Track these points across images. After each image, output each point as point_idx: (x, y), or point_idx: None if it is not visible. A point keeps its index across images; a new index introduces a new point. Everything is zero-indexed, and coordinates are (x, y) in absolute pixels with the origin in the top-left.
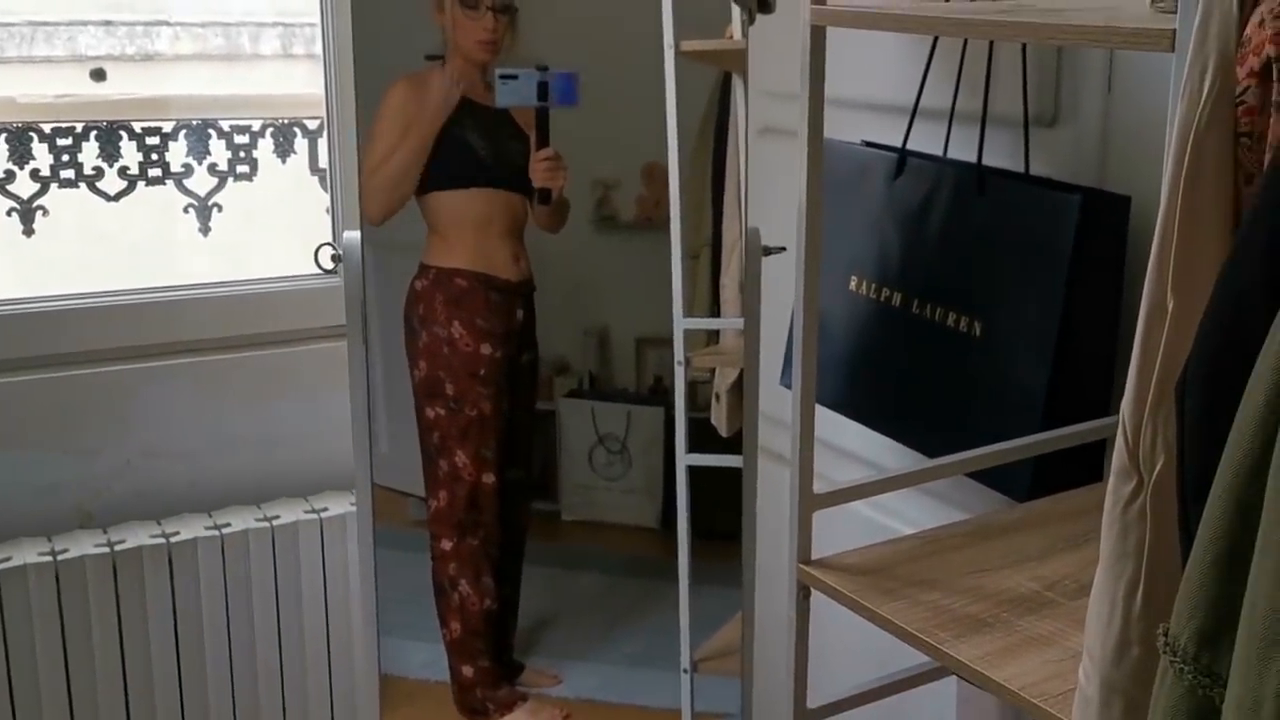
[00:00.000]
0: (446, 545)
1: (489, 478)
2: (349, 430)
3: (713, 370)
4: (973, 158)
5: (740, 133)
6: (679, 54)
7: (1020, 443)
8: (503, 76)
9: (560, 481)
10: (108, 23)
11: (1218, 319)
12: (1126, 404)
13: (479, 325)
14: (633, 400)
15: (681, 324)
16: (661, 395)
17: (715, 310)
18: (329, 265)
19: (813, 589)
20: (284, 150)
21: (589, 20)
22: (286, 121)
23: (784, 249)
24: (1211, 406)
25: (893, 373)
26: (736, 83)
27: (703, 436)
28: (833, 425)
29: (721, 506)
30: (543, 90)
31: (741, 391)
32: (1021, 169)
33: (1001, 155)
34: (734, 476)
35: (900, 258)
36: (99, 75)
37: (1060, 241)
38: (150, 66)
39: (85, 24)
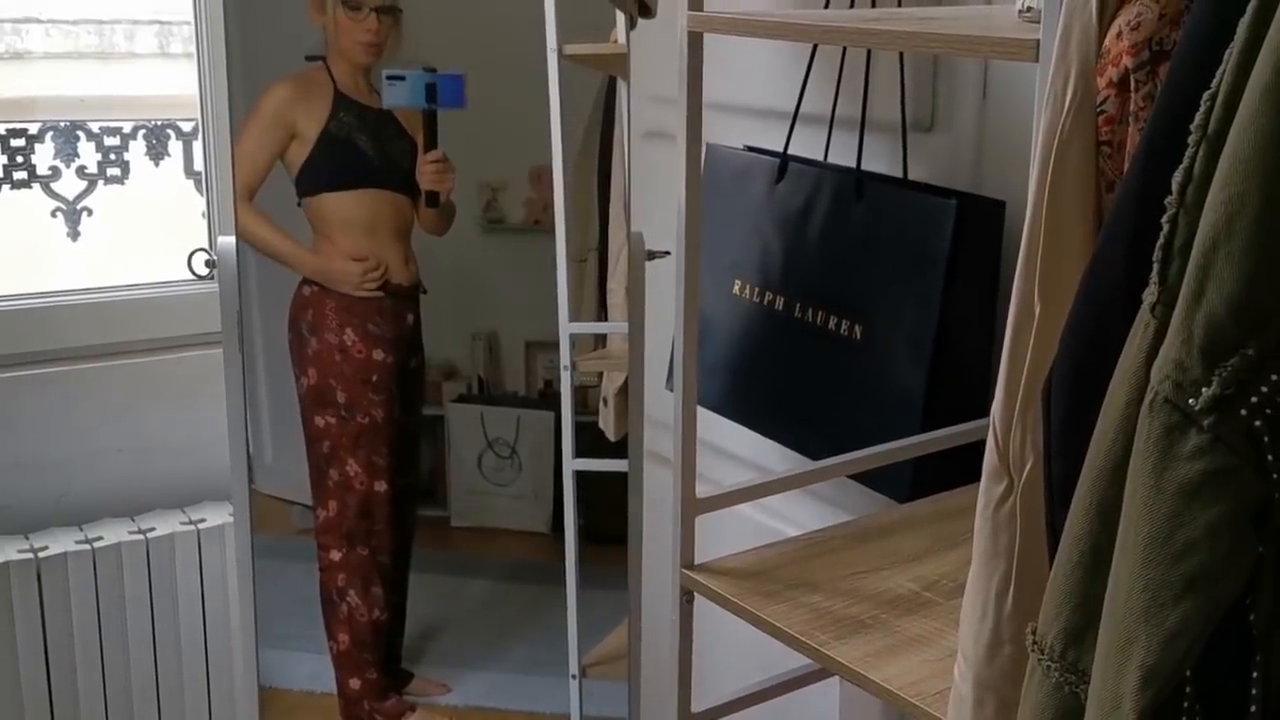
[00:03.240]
0: (335, 555)
1: (381, 485)
2: (225, 438)
3: (600, 374)
4: (852, 163)
5: (625, 138)
6: (562, 58)
7: (900, 445)
8: (390, 78)
9: (449, 487)
10: None
11: (1080, 323)
12: (996, 407)
13: (371, 331)
14: (522, 404)
15: (567, 329)
16: (551, 399)
17: (602, 315)
18: (203, 271)
19: (695, 593)
20: (157, 153)
21: (474, 22)
22: (160, 123)
23: (668, 253)
24: (1075, 409)
25: (775, 376)
26: (621, 87)
27: (593, 440)
28: (717, 428)
29: (611, 510)
30: (430, 92)
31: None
32: (900, 174)
33: (881, 160)
34: (623, 480)
35: (782, 262)
36: None
37: (936, 246)
38: (20, 65)
39: None
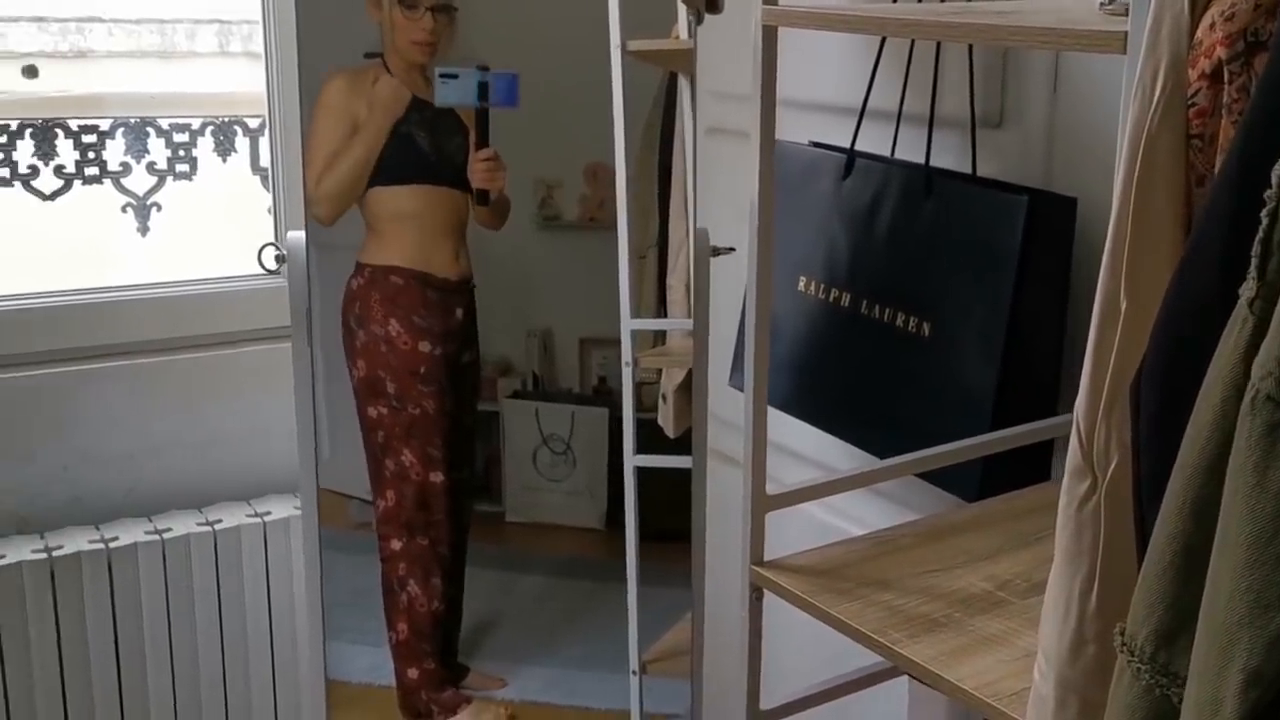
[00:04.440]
0: (396, 545)
1: (436, 476)
2: (290, 433)
3: (659, 371)
4: (920, 159)
5: (687, 134)
6: (626, 54)
7: (969, 443)
8: (443, 75)
9: (504, 483)
10: (40, 19)
11: (1172, 318)
12: (1080, 404)
13: (416, 323)
14: (577, 401)
15: (629, 325)
16: (605, 396)
17: (662, 311)
18: (273, 266)
19: (766, 590)
20: (224, 149)
21: (530, 20)
22: (227, 120)
23: (733, 250)
24: (1166, 406)
25: (841, 374)
26: (682, 83)
27: (649, 437)
28: (782, 426)
29: (667, 508)
30: (483, 90)
31: (689, 392)
32: (969, 170)
33: (949, 157)
34: (680, 478)
35: (848, 258)
36: (31, 72)
37: (1007, 242)
38: (83, 63)
39: (16, 19)
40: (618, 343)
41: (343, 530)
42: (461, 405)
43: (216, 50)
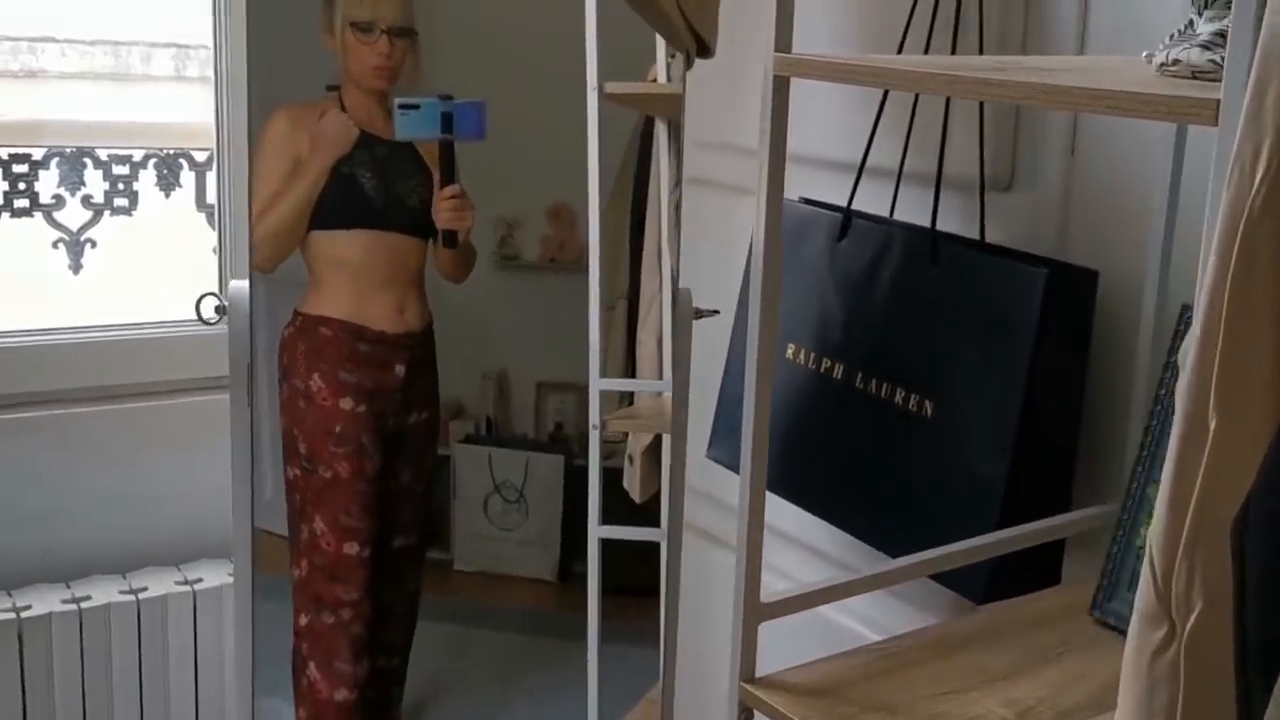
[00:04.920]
0: (302, 620)
1: (350, 548)
2: (228, 491)
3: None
4: (920, 220)
5: (664, 182)
6: (602, 96)
7: (975, 544)
8: (402, 106)
9: (453, 530)
10: None
11: None
12: (1155, 537)
13: (340, 379)
14: (531, 447)
15: (598, 384)
16: (562, 443)
17: (630, 366)
18: (212, 317)
19: (756, 711)
20: (168, 183)
21: (493, 48)
22: (171, 152)
23: (716, 312)
24: None
25: (832, 452)
26: (659, 128)
27: (610, 491)
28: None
29: (629, 560)
30: (447, 122)
31: (657, 455)
32: (976, 235)
33: (953, 220)
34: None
35: (843, 326)
36: None
37: (1023, 318)
38: (34, 84)
39: None
40: (575, 388)
41: (280, 575)
42: (411, 469)
43: (173, 75)
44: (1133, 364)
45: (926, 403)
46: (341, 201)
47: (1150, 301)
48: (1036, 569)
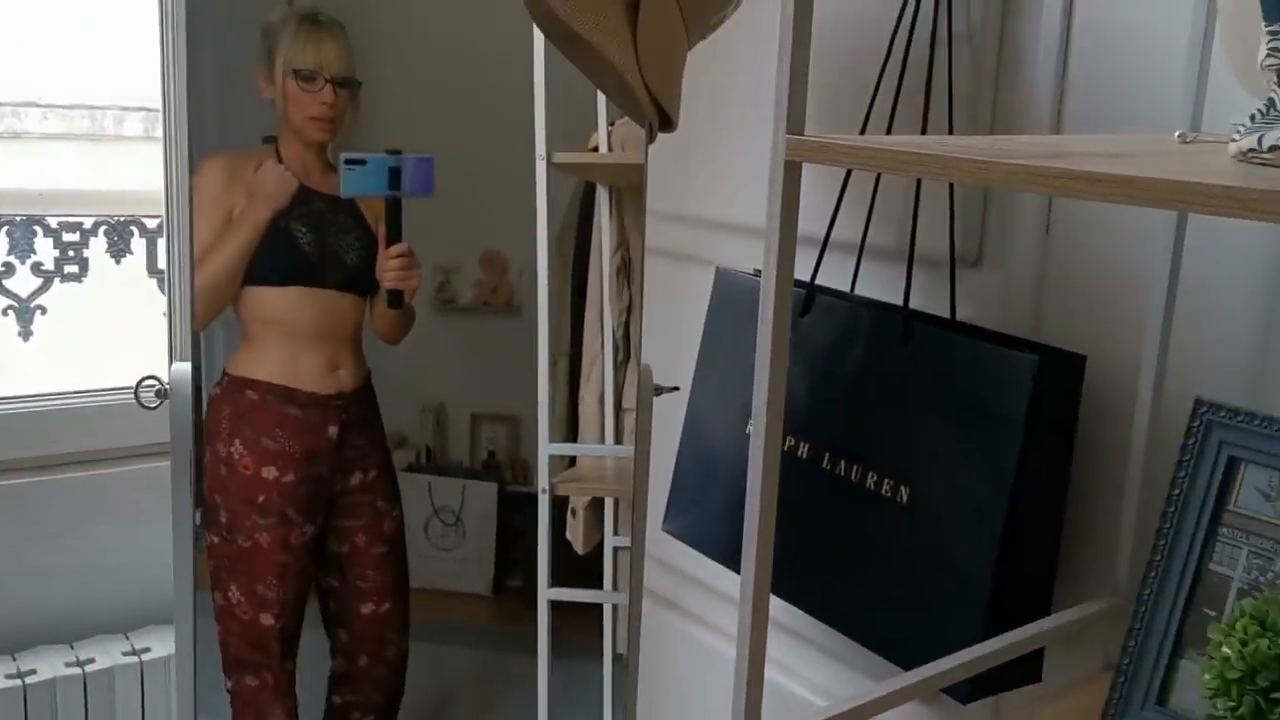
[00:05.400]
0: (229, 683)
1: (266, 619)
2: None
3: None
4: (883, 295)
5: (605, 244)
6: (550, 166)
7: (969, 656)
8: (349, 162)
9: None
10: None
11: None
12: None
13: (264, 446)
14: (467, 474)
15: (547, 449)
16: (494, 470)
17: (573, 422)
18: (152, 402)
19: None
20: (119, 250)
21: (424, 100)
22: (122, 219)
23: (676, 389)
24: None
25: (801, 534)
26: (601, 194)
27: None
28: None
29: (561, 575)
30: (394, 177)
31: (599, 509)
32: (945, 313)
33: (919, 295)
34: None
35: (808, 404)
36: None
37: (1011, 407)
38: (19, 144)
39: None
40: (507, 419)
41: None
42: (355, 533)
43: (142, 135)
44: (1124, 455)
45: (902, 489)
46: (275, 257)
47: (1146, 389)
48: (1020, 667)
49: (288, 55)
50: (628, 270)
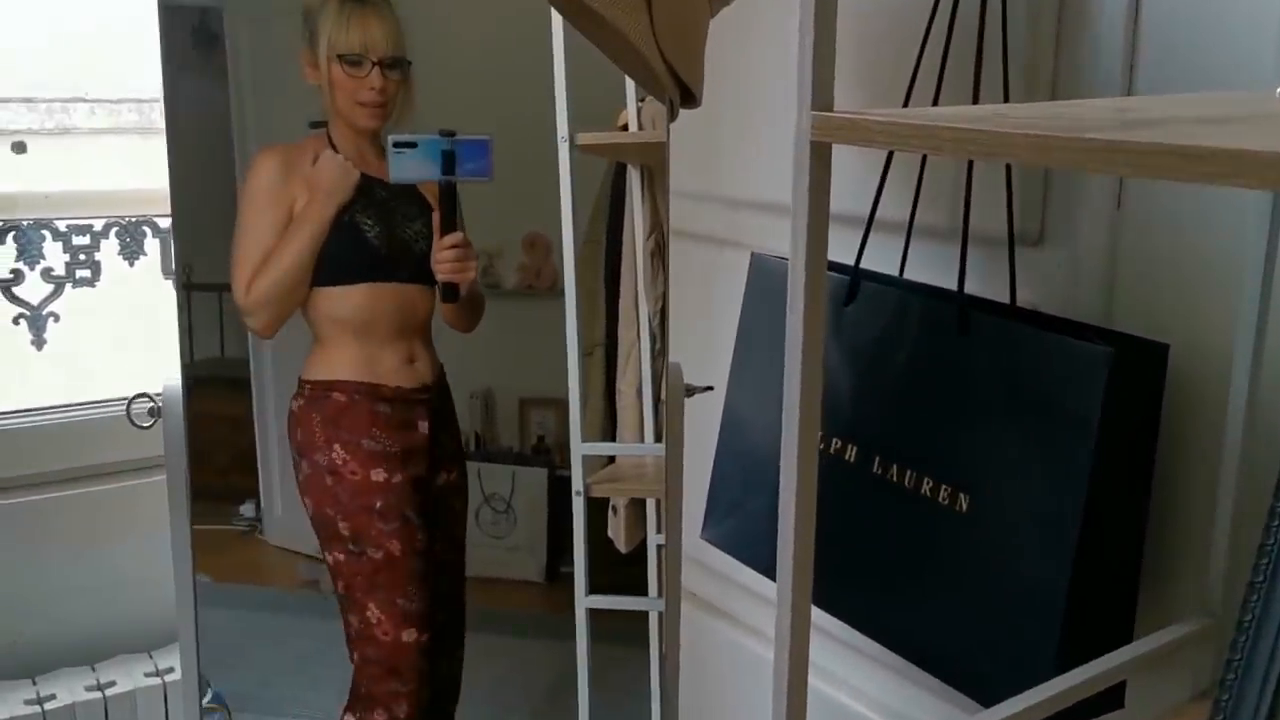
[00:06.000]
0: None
1: (410, 635)
2: None
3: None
4: (935, 279)
5: (638, 228)
6: (574, 148)
7: (1048, 692)
8: (398, 145)
9: None
10: (29, 99)
11: None
12: None
13: (366, 448)
14: (517, 460)
15: (580, 449)
16: (544, 455)
17: (610, 414)
18: (145, 422)
19: None
20: (131, 252)
21: (470, 78)
22: (134, 220)
23: (710, 389)
24: None
25: (850, 544)
26: (631, 173)
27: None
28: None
29: (610, 561)
30: (448, 161)
31: (641, 505)
32: (1004, 298)
33: (974, 279)
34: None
35: (852, 402)
36: (19, 148)
37: (1084, 404)
38: (69, 139)
39: (7, 101)
40: (555, 403)
41: (288, 589)
42: (437, 539)
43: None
44: (1215, 457)
45: (961, 496)
46: (344, 254)
47: (1240, 382)
48: (1101, 694)
49: (331, 38)
50: (663, 254)
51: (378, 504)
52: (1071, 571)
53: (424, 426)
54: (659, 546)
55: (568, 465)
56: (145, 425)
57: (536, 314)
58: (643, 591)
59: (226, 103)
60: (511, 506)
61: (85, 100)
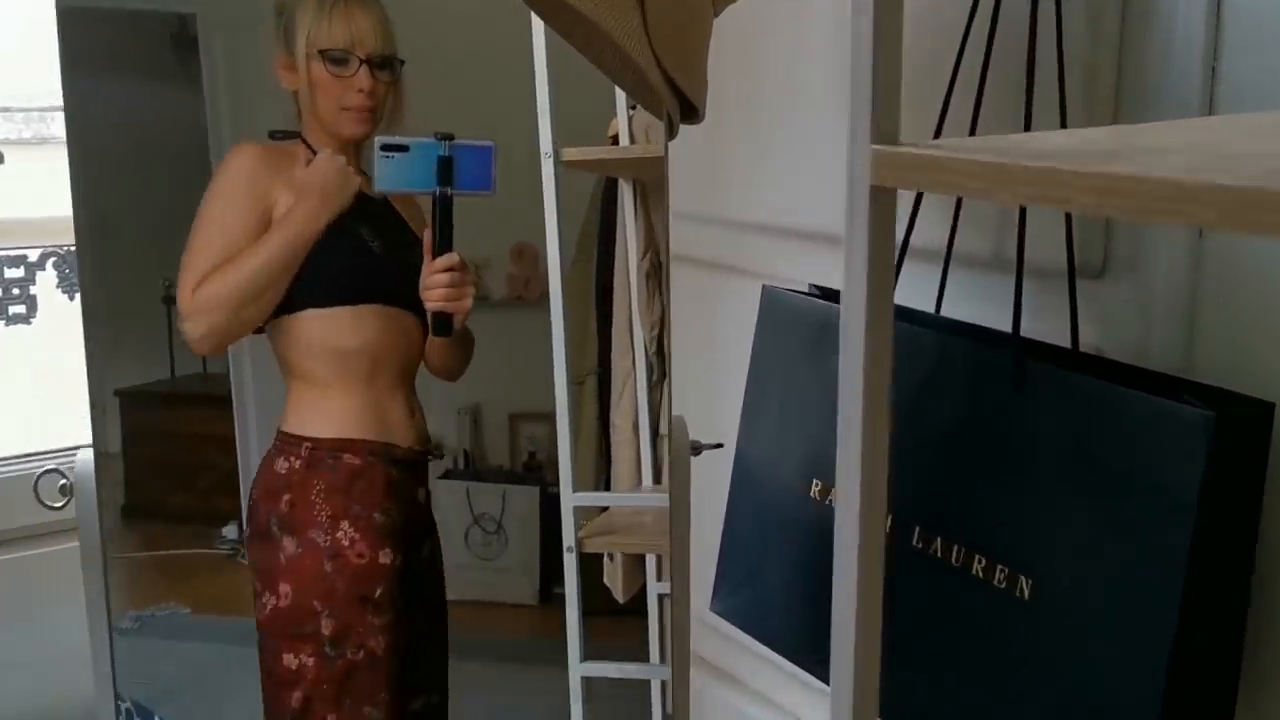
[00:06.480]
0: None
1: None
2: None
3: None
4: (978, 317)
5: (631, 248)
6: (559, 164)
7: None
8: (386, 149)
9: None
10: (6, 109)
11: None
12: None
13: (377, 523)
14: (507, 479)
15: (571, 500)
16: (536, 472)
17: (604, 446)
18: (57, 502)
19: None
20: (70, 284)
21: (450, 83)
22: (72, 249)
23: (720, 446)
24: None
25: (886, 631)
26: (623, 189)
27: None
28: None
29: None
30: (444, 169)
31: (640, 554)
32: (1060, 340)
33: (1024, 316)
34: None
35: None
36: None
37: (1179, 478)
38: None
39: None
40: (547, 418)
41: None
42: (418, 613)
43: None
44: None
45: (1022, 580)
46: (348, 270)
47: None
48: None
49: (311, 33)
50: (659, 276)
51: (377, 593)
52: (1167, 680)
53: (423, 495)
54: (660, 596)
55: (542, 482)
56: (57, 507)
57: (526, 325)
58: (639, 630)
59: (202, 111)
60: (502, 526)
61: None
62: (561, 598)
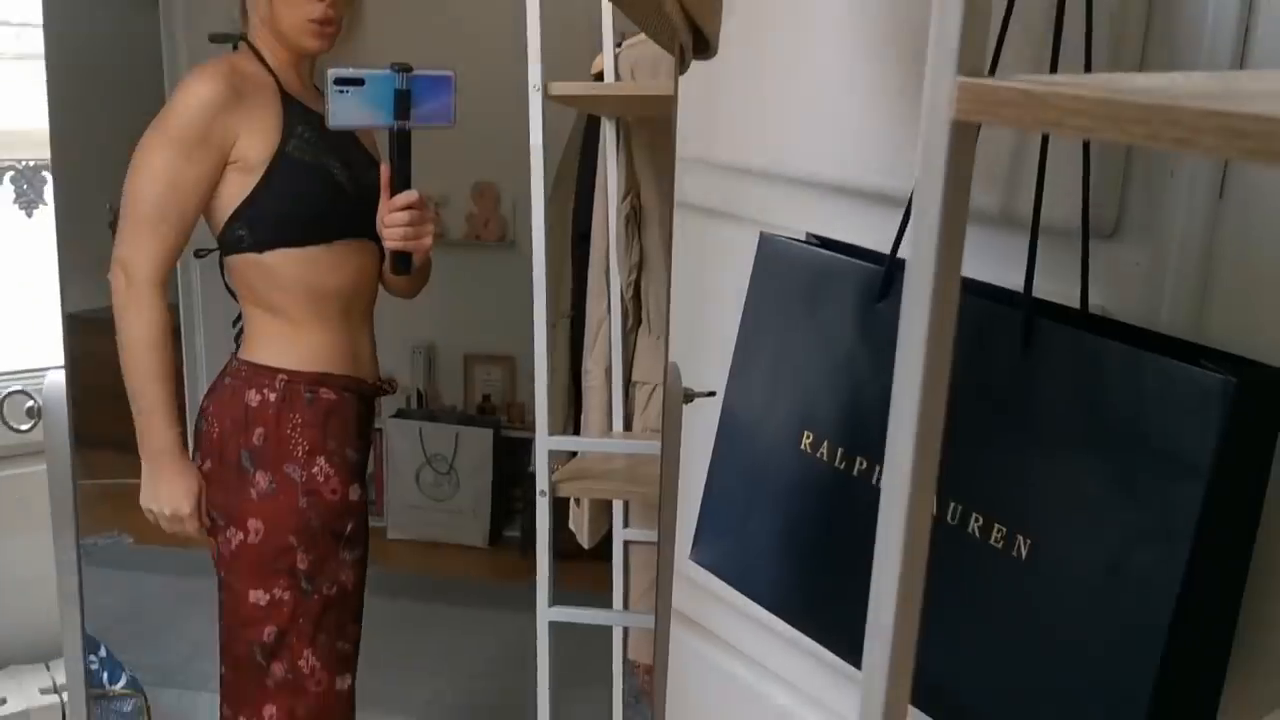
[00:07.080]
0: None
1: (344, 681)
2: None
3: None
4: (986, 274)
5: (611, 190)
6: (547, 98)
7: None
8: (340, 82)
9: (386, 501)
10: None
11: None
12: None
13: (349, 459)
14: (461, 420)
15: (545, 443)
16: (490, 415)
17: (575, 391)
18: (23, 425)
19: None
20: (29, 201)
21: (408, 13)
22: (32, 164)
23: (713, 394)
24: None
25: (865, 580)
26: (606, 128)
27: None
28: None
29: (562, 524)
30: (402, 102)
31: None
32: (1069, 299)
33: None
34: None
35: (880, 415)
36: None
37: (1192, 445)
38: None
39: None
40: (502, 359)
41: None
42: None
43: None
44: None
45: (1019, 539)
46: (314, 202)
47: None
48: None
49: None
50: (638, 220)
51: (349, 529)
52: (1165, 649)
53: (375, 431)
54: (626, 543)
55: (516, 423)
56: (23, 429)
57: (484, 265)
58: (603, 573)
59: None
60: (454, 468)
61: (10, 24)
62: (512, 540)
